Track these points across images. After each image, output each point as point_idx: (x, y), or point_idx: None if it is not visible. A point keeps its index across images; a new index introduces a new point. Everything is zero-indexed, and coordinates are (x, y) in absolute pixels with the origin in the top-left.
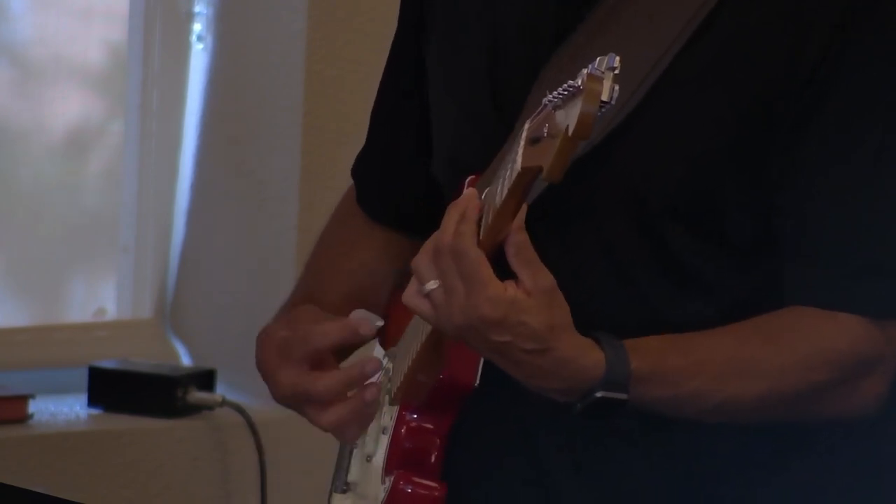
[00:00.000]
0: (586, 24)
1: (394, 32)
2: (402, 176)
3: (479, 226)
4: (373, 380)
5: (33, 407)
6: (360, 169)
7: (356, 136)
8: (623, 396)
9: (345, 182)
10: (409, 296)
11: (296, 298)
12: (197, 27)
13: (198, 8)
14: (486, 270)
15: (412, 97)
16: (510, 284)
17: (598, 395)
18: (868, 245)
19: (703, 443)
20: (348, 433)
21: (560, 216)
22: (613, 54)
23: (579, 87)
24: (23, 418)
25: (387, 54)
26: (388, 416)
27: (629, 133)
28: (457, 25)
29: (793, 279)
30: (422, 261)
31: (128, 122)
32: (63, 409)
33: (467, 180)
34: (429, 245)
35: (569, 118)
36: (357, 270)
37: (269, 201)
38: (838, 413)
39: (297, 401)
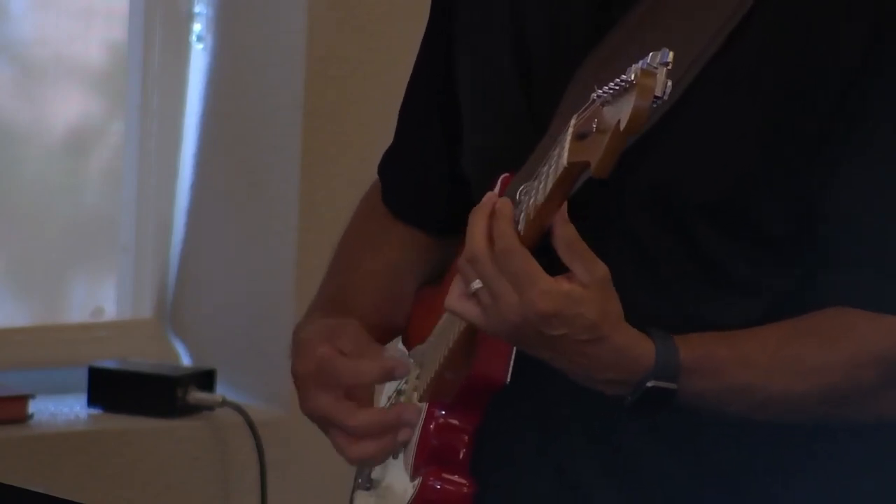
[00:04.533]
0: (621, 24)
1: (393, 32)
2: (429, 174)
3: (515, 223)
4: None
5: (33, 407)
6: (387, 166)
7: (356, 136)
8: (673, 386)
9: (345, 182)
10: (454, 300)
11: (324, 297)
12: (197, 27)
13: (198, 8)
14: (535, 265)
15: (443, 93)
16: (561, 278)
17: (650, 384)
18: None
19: (730, 436)
20: (371, 464)
21: (591, 218)
22: (666, 49)
23: (632, 81)
24: (23, 418)
25: (387, 53)
26: None
27: (662, 134)
28: (487, 21)
29: (835, 281)
30: (465, 264)
31: (128, 122)
32: (63, 409)
33: (501, 178)
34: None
35: (620, 113)
36: (382, 271)
37: (269, 201)
38: (885, 413)
39: (327, 425)
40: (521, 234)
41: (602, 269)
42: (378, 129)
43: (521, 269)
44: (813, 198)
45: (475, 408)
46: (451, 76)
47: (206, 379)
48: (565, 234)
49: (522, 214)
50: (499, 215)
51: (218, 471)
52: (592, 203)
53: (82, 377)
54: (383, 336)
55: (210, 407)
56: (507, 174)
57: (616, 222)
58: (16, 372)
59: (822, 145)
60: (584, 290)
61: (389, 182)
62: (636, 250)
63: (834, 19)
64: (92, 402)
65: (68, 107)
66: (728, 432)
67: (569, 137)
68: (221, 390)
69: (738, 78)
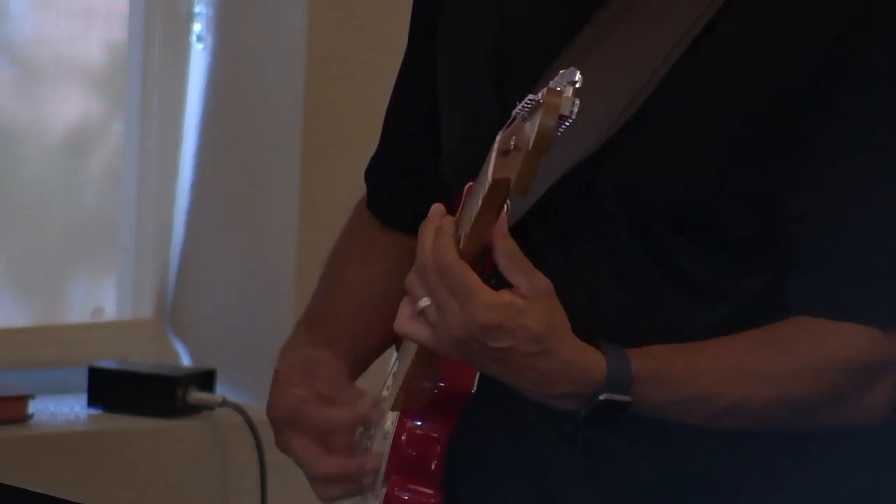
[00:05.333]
0: (592, 25)
1: (393, 32)
2: (414, 179)
3: (457, 238)
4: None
5: (33, 407)
6: (373, 173)
7: (356, 136)
8: (626, 398)
9: (345, 182)
10: (403, 322)
11: (313, 315)
12: (197, 27)
13: (198, 8)
14: (474, 279)
15: (427, 98)
16: (504, 291)
17: (602, 397)
18: (873, 253)
19: (702, 436)
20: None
21: (562, 224)
22: (574, 68)
23: (539, 100)
24: (23, 418)
25: (387, 53)
26: (390, 420)
27: (629, 140)
28: (464, 24)
29: (798, 288)
30: (413, 280)
31: (128, 122)
32: (63, 409)
33: (466, 186)
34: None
35: (532, 131)
36: (372, 283)
37: (269, 201)
38: (848, 421)
39: (300, 466)
40: (461, 248)
41: (544, 281)
42: (378, 130)
43: (461, 283)
44: (779, 201)
45: (445, 417)
46: (435, 79)
47: (206, 379)
48: (505, 248)
49: (461, 228)
50: (440, 232)
51: (218, 471)
52: (565, 207)
53: (82, 377)
54: (375, 349)
55: (210, 407)
56: (471, 183)
57: (589, 227)
58: (16, 372)
59: (790, 148)
60: (526, 301)
61: (375, 188)
62: (609, 255)
63: (801, 21)
64: (92, 402)
65: (68, 107)
66: (700, 432)
67: (494, 153)
68: (221, 390)
69: (707, 79)
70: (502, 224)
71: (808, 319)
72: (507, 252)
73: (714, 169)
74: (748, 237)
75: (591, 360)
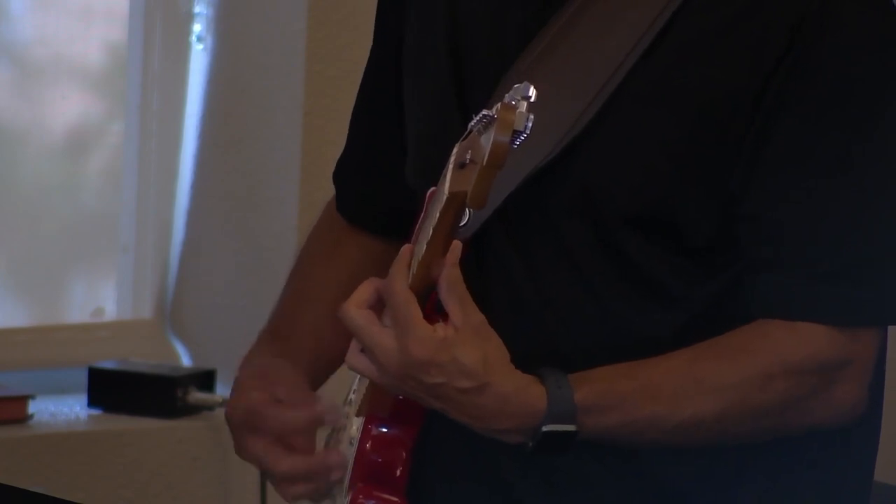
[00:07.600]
0: (548, 30)
1: None
2: (380, 180)
3: (409, 267)
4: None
5: (33, 407)
6: (340, 174)
7: None
8: (571, 428)
9: None
10: (352, 356)
11: (277, 324)
12: (197, 27)
13: (198, 8)
14: (414, 311)
15: (392, 100)
16: (440, 325)
17: (545, 429)
18: (826, 251)
19: (671, 455)
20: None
21: (522, 230)
22: (528, 83)
23: (493, 115)
24: (23, 418)
25: None
26: (355, 426)
27: (586, 144)
28: (427, 28)
29: (752, 288)
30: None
31: (128, 122)
32: (63, 410)
33: (428, 193)
34: None
35: (487, 146)
36: (337, 284)
37: (269, 201)
38: (812, 422)
39: (261, 469)
40: (416, 269)
41: (477, 315)
42: None
43: (401, 314)
44: (734, 202)
45: (410, 423)
46: (400, 80)
47: (206, 379)
48: (449, 276)
49: (416, 250)
50: (397, 258)
51: (218, 471)
52: (525, 213)
53: (82, 377)
54: (338, 358)
55: (210, 407)
56: (433, 189)
57: (548, 231)
58: (16, 372)
59: (745, 148)
60: (457, 334)
61: (342, 189)
62: (567, 259)
63: (754, 21)
64: (92, 402)
65: (68, 107)
66: (674, 453)
67: (451, 166)
68: (221, 390)
69: (662, 83)
70: (455, 251)
71: (763, 322)
72: (449, 280)
73: (671, 170)
74: (707, 238)
75: (530, 394)
